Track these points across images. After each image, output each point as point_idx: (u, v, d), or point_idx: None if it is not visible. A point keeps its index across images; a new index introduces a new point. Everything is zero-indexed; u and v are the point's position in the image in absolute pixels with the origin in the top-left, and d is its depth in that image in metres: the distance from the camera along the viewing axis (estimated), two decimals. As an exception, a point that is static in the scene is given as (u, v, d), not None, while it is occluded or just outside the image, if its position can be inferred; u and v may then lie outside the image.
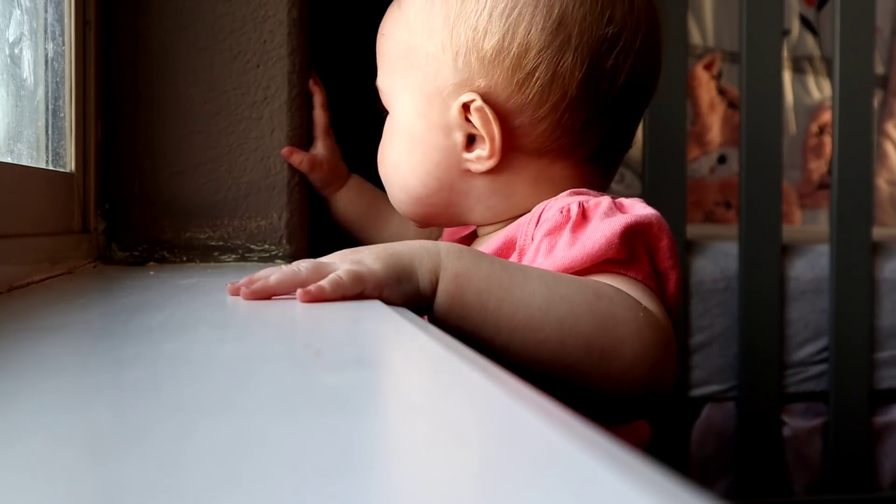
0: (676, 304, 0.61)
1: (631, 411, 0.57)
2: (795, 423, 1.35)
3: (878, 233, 1.49)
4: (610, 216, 0.58)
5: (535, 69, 0.65)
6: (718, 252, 1.34)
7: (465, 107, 0.66)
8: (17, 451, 0.23)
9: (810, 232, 1.83)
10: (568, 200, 0.62)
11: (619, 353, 0.52)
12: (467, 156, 0.68)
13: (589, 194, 0.64)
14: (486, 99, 0.65)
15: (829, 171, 1.75)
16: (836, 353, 1.32)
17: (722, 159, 2.41)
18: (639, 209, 0.60)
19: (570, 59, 0.65)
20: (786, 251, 1.35)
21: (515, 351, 0.51)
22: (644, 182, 1.32)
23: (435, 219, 0.75)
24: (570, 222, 0.59)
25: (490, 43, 0.65)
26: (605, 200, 0.60)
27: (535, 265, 0.59)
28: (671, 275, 0.59)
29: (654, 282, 0.58)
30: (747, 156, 1.32)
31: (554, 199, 0.64)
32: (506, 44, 0.65)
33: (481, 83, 0.66)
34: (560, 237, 0.59)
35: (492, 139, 0.66)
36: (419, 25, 0.69)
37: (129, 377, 0.32)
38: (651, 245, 0.59)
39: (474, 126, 0.67)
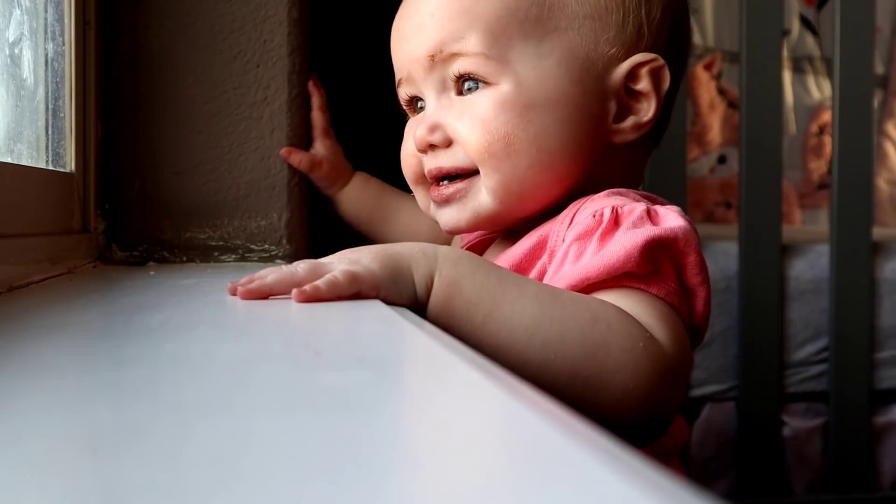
0: (705, 322, 0.58)
1: (626, 437, 0.55)
2: (795, 423, 1.35)
3: (878, 233, 1.49)
4: (638, 226, 0.55)
5: (682, 34, 0.68)
6: (718, 252, 1.34)
7: (635, 70, 0.64)
8: (17, 451, 0.23)
9: (810, 232, 1.83)
10: (603, 203, 0.59)
11: (607, 384, 0.50)
12: (620, 125, 0.65)
13: (627, 196, 0.61)
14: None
15: (829, 171, 1.75)
16: (836, 353, 1.32)
17: (722, 159, 2.41)
18: (670, 221, 0.56)
19: (685, 25, 0.69)
20: (786, 251, 1.35)
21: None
22: (644, 182, 1.32)
23: (549, 206, 0.66)
24: (601, 228, 0.56)
25: (659, 5, 0.65)
26: (640, 208, 0.57)
27: (562, 271, 0.57)
28: (700, 291, 0.57)
29: (679, 298, 0.55)
30: (747, 156, 1.32)
31: (590, 199, 0.62)
32: (669, 8, 0.66)
33: (649, 44, 0.65)
34: (589, 243, 0.56)
35: (659, 101, 0.65)
36: None
37: (129, 377, 0.32)
38: (678, 260, 0.56)
39: (635, 91, 0.65)
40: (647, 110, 0.65)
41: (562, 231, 0.61)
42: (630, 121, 0.65)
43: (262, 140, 0.87)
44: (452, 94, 0.66)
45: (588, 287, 0.55)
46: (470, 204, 0.66)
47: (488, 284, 0.51)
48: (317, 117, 0.91)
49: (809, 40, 2.52)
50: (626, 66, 0.64)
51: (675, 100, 0.71)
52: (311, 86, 0.91)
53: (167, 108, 0.86)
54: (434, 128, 0.66)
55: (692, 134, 2.33)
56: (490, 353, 0.49)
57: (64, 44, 0.80)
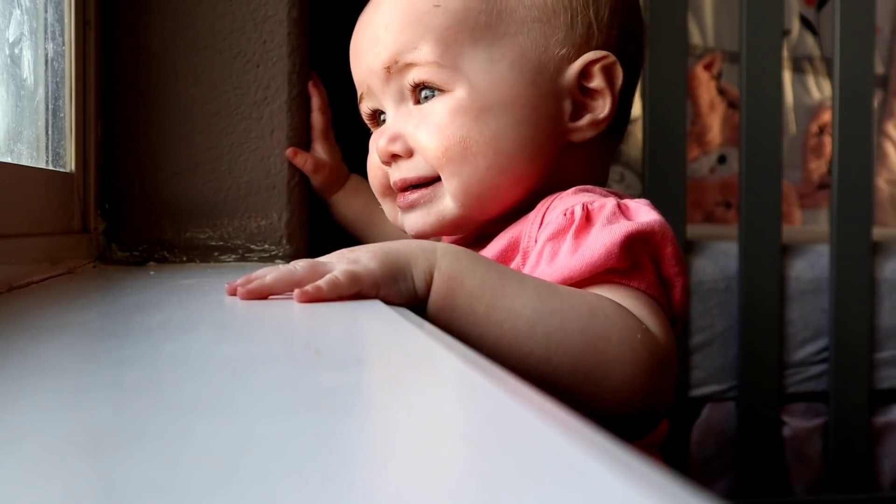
0: (683, 311, 0.59)
1: (620, 430, 0.55)
2: (795, 423, 1.35)
3: (878, 233, 1.49)
4: (613, 222, 0.56)
5: (633, 30, 0.69)
6: (718, 252, 1.34)
7: (587, 68, 0.65)
8: (17, 451, 0.23)
9: (810, 232, 1.83)
10: (572, 201, 0.60)
11: (607, 375, 0.50)
12: (577, 123, 0.66)
13: (595, 192, 0.62)
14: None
15: (829, 171, 1.75)
16: (836, 353, 1.32)
17: (722, 159, 2.41)
18: (643, 215, 0.57)
19: (636, 21, 0.71)
20: (786, 251, 1.35)
21: (501, 360, 0.50)
22: (644, 182, 1.32)
23: (513, 208, 0.67)
24: (574, 226, 0.57)
25: (607, 4, 0.67)
26: (610, 203, 0.58)
27: (538, 272, 0.57)
28: (677, 282, 0.57)
29: (658, 290, 0.56)
30: (747, 156, 1.32)
31: (558, 197, 0.63)
32: (618, 5, 0.68)
33: (599, 42, 0.66)
34: (563, 242, 0.57)
35: (614, 98, 0.66)
36: None
37: (129, 377, 0.32)
38: (655, 253, 0.57)
39: (589, 89, 0.66)
40: (603, 107, 0.66)
41: (533, 231, 0.62)
42: (586, 118, 0.66)
43: (262, 140, 0.87)
44: (411, 103, 0.68)
45: (571, 286, 0.55)
46: (434, 209, 0.68)
47: (488, 278, 0.51)
48: (316, 119, 0.91)
49: (809, 40, 2.52)
50: (577, 64, 0.65)
51: (633, 95, 0.73)
52: (311, 86, 0.91)
53: (167, 108, 0.86)
54: (395, 138, 0.68)
55: (692, 134, 2.33)
56: (493, 345, 0.50)
57: (64, 44, 0.80)
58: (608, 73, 0.66)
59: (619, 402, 0.51)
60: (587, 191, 0.62)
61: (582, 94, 0.66)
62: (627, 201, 0.60)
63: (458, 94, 0.65)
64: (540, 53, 0.65)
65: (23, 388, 0.30)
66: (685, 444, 1.32)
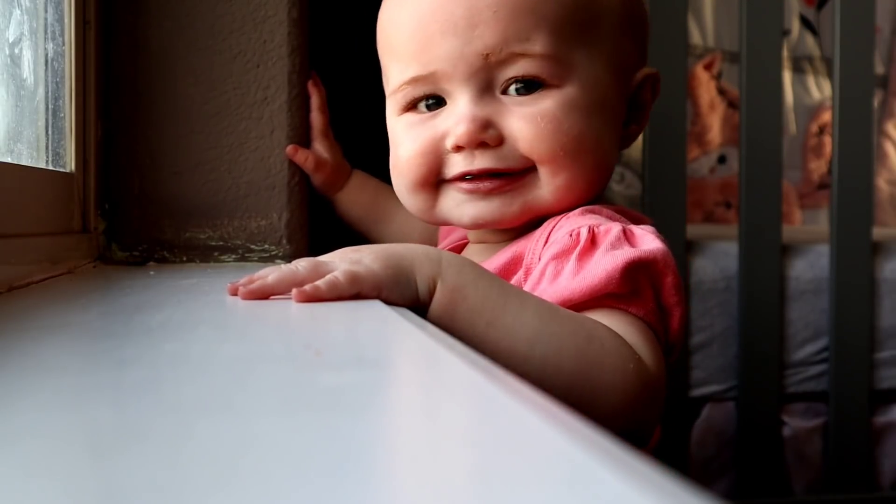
0: (679, 341, 0.59)
1: None
2: (795, 423, 1.35)
3: (878, 233, 1.49)
4: (616, 248, 0.56)
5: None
6: (718, 252, 1.34)
7: (644, 81, 0.69)
8: (17, 451, 0.23)
9: (810, 232, 1.83)
10: (579, 222, 0.60)
11: (597, 401, 0.51)
12: (626, 130, 0.70)
13: (601, 215, 0.62)
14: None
15: (829, 171, 1.75)
16: (836, 353, 1.32)
17: (722, 159, 2.41)
18: (647, 242, 0.57)
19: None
20: (786, 251, 1.35)
21: None
22: (644, 182, 1.32)
23: (583, 203, 0.67)
24: (578, 248, 0.57)
25: (645, 25, 0.72)
26: (616, 228, 0.58)
27: (539, 290, 0.58)
28: (675, 311, 0.58)
29: (656, 318, 0.56)
30: (747, 156, 1.32)
31: (565, 217, 0.63)
32: (645, 20, 0.71)
33: (645, 58, 0.71)
34: (566, 263, 0.57)
35: (650, 110, 0.71)
36: None
37: (129, 377, 0.32)
38: (656, 281, 0.57)
39: (637, 101, 0.70)
40: (643, 119, 0.70)
41: (537, 249, 0.62)
42: (633, 127, 0.70)
43: (262, 140, 0.87)
44: (497, 93, 0.65)
45: (570, 307, 0.55)
46: (520, 198, 0.65)
47: (491, 294, 0.51)
48: (316, 118, 0.91)
49: (809, 40, 2.52)
50: (639, 76, 0.69)
51: None
52: (310, 86, 0.91)
53: (167, 108, 0.86)
54: (486, 125, 0.64)
55: (692, 134, 2.33)
56: (489, 359, 0.50)
57: (64, 44, 0.80)
58: (655, 88, 0.71)
59: (610, 424, 0.51)
60: (594, 212, 0.62)
61: (632, 105, 0.70)
62: (633, 227, 0.59)
63: (569, 90, 0.64)
64: (621, 60, 0.67)
65: (23, 388, 0.30)
66: (685, 444, 1.32)
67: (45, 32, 0.78)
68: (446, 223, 0.71)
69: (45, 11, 0.78)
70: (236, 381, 0.31)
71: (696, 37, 2.43)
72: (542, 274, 0.58)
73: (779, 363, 1.32)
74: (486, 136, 0.64)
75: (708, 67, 2.39)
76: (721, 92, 2.39)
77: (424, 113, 0.67)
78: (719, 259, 1.34)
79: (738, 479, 1.32)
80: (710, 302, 1.32)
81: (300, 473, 0.20)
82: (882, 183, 2.49)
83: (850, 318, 1.32)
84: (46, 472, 0.21)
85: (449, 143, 0.65)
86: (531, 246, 0.63)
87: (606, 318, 0.54)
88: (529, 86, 0.64)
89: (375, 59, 0.75)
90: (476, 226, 0.68)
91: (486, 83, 0.64)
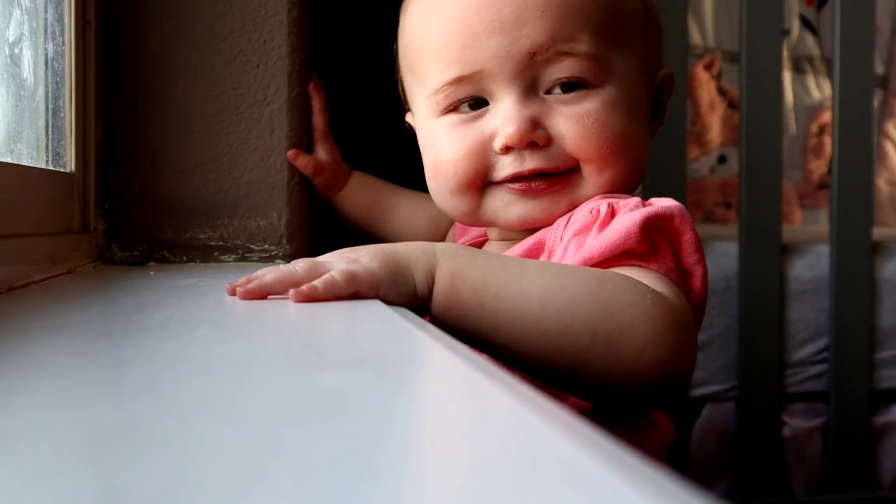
0: (702, 301, 0.59)
1: (648, 398, 0.55)
2: (795, 423, 1.35)
3: (878, 233, 1.49)
4: (634, 210, 0.58)
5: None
6: (718, 252, 1.34)
7: (664, 82, 0.72)
8: (17, 451, 0.23)
9: (810, 232, 1.83)
10: (598, 202, 0.62)
11: (627, 337, 0.50)
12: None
13: (619, 197, 0.63)
14: None
15: (829, 171, 1.75)
16: (836, 353, 1.32)
17: (722, 159, 2.41)
18: (664, 202, 0.59)
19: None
20: (786, 251, 1.35)
21: (518, 346, 0.51)
22: (644, 182, 1.32)
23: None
24: (599, 221, 0.59)
25: (658, 22, 0.73)
26: (633, 199, 0.60)
27: (565, 261, 0.59)
28: (696, 270, 0.58)
29: (677, 276, 0.57)
30: (747, 156, 1.32)
31: (585, 202, 0.64)
32: (659, 23, 0.73)
33: (662, 59, 0.73)
34: (588, 236, 0.59)
35: (667, 109, 0.73)
36: None
37: (129, 377, 0.32)
38: (674, 239, 0.58)
39: (658, 100, 0.72)
40: (661, 117, 0.73)
41: (559, 231, 0.63)
42: (653, 126, 0.72)
43: (262, 140, 0.87)
44: (542, 92, 0.65)
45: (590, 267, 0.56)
46: (568, 197, 0.66)
47: (490, 268, 0.52)
48: (317, 120, 0.91)
49: (809, 40, 2.52)
50: (659, 77, 0.72)
51: None
52: (311, 89, 0.91)
53: (167, 108, 0.86)
54: (536, 125, 0.64)
55: (692, 134, 2.33)
56: (507, 332, 0.51)
57: (64, 44, 0.80)
58: (671, 88, 0.73)
59: (644, 361, 0.51)
60: (611, 196, 0.64)
61: (653, 104, 0.72)
62: (652, 199, 0.61)
63: (610, 90, 0.65)
64: (647, 62, 0.70)
65: (23, 388, 0.30)
66: (685, 444, 1.32)
67: (45, 32, 0.78)
68: (491, 224, 0.71)
69: (45, 11, 0.78)
70: (236, 381, 0.31)
71: (696, 37, 2.43)
72: (566, 250, 0.60)
73: (779, 363, 1.32)
74: (536, 136, 0.64)
75: (708, 67, 2.39)
76: (721, 92, 2.39)
77: (467, 113, 0.67)
78: (719, 259, 1.34)
79: (738, 479, 1.32)
80: (710, 302, 1.32)
81: (300, 473, 0.20)
82: (882, 183, 2.49)
83: (850, 318, 1.32)
84: (46, 473, 0.21)
85: (497, 144, 0.65)
86: (553, 231, 0.64)
87: (626, 273, 0.54)
88: (572, 86, 0.65)
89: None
90: (524, 225, 0.68)
91: (532, 83, 0.65)
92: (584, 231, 0.59)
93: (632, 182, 0.68)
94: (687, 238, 0.58)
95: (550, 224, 0.66)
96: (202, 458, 0.22)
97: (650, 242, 0.56)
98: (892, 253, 1.37)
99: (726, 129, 2.38)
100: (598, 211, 0.59)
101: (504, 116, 0.64)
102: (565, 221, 0.63)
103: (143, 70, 0.86)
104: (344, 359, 0.36)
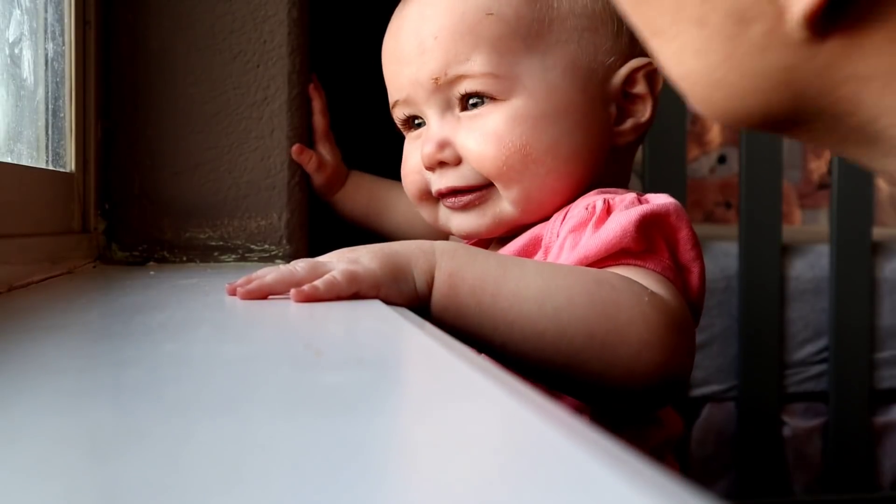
0: (700, 298, 0.59)
1: (647, 399, 0.55)
2: (795, 423, 1.35)
3: (878, 233, 1.49)
4: (630, 208, 0.58)
5: None
6: (718, 252, 1.34)
7: (632, 75, 0.67)
8: (17, 451, 0.23)
9: (810, 232, 1.83)
10: (594, 198, 0.62)
11: (623, 338, 0.50)
12: (621, 127, 0.68)
13: (616, 192, 0.63)
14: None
15: (829, 171, 1.75)
16: (836, 353, 1.32)
17: (722, 159, 2.41)
18: (660, 199, 0.59)
19: None
20: (786, 251, 1.35)
21: (516, 345, 0.51)
22: (644, 182, 1.32)
23: (558, 208, 0.67)
24: (595, 217, 0.59)
25: (613, 12, 0.68)
26: (630, 195, 0.60)
27: (560, 260, 0.59)
28: (693, 267, 0.58)
29: (674, 274, 0.57)
30: (747, 156, 1.32)
31: (582, 198, 0.64)
32: (616, 13, 0.69)
33: (640, 49, 0.66)
34: (584, 233, 0.59)
35: (654, 103, 0.68)
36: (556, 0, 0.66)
37: (130, 377, 0.32)
38: (670, 236, 0.58)
39: (632, 95, 0.67)
40: (644, 112, 0.68)
41: (555, 227, 0.63)
42: (629, 123, 0.68)
43: (262, 140, 0.87)
44: (457, 111, 0.68)
45: (587, 266, 0.56)
46: (490, 211, 0.68)
47: (489, 268, 0.52)
48: (318, 121, 0.91)
49: (809, 40, 2.52)
50: (623, 71, 0.67)
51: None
52: (311, 89, 0.91)
53: (167, 108, 0.86)
54: (443, 145, 0.67)
55: (692, 134, 2.33)
56: (505, 332, 0.51)
57: (64, 44, 0.80)
58: (650, 79, 0.67)
59: (639, 363, 0.51)
60: (608, 191, 0.64)
61: (625, 100, 0.68)
62: (648, 195, 0.61)
63: (515, 102, 0.65)
64: (590, 61, 0.66)
65: (23, 388, 0.30)
66: (685, 444, 1.32)
67: (45, 32, 0.78)
68: (450, 233, 0.73)
69: (45, 11, 0.78)
70: (236, 381, 0.31)
71: (696, 37, 2.43)
72: (562, 247, 0.60)
73: (779, 363, 1.32)
74: (443, 156, 0.67)
75: (708, 67, 2.39)
76: (721, 92, 2.39)
77: (417, 130, 0.72)
78: (719, 259, 1.34)
79: (738, 479, 1.32)
80: (710, 302, 1.32)
81: (300, 473, 0.20)
82: (882, 183, 2.49)
83: (850, 317, 1.32)
84: (46, 473, 0.21)
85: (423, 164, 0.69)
86: (549, 227, 0.64)
87: (623, 272, 0.54)
88: (481, 101, 0.66)
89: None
90: (464, 236, 0.71)
91: (446, 103, 0.68)
92: (579, 228, 0.59)
93: (559, 192, 0.66)
94: (683, 235, 0.58)
95: (495, 234, 0.70)
96: (202, 458, 0.22)
97: (646, 240, 0.56)
98: (892, 253, 1.37)
99: (726, 129, 2.38)
100: (594, 207, 0.59)
101: (424, 137, 0.69)
102: (562, 217, 0.64)
103: (143, 70, 0.86)
104: (344, 359, 0.36)
